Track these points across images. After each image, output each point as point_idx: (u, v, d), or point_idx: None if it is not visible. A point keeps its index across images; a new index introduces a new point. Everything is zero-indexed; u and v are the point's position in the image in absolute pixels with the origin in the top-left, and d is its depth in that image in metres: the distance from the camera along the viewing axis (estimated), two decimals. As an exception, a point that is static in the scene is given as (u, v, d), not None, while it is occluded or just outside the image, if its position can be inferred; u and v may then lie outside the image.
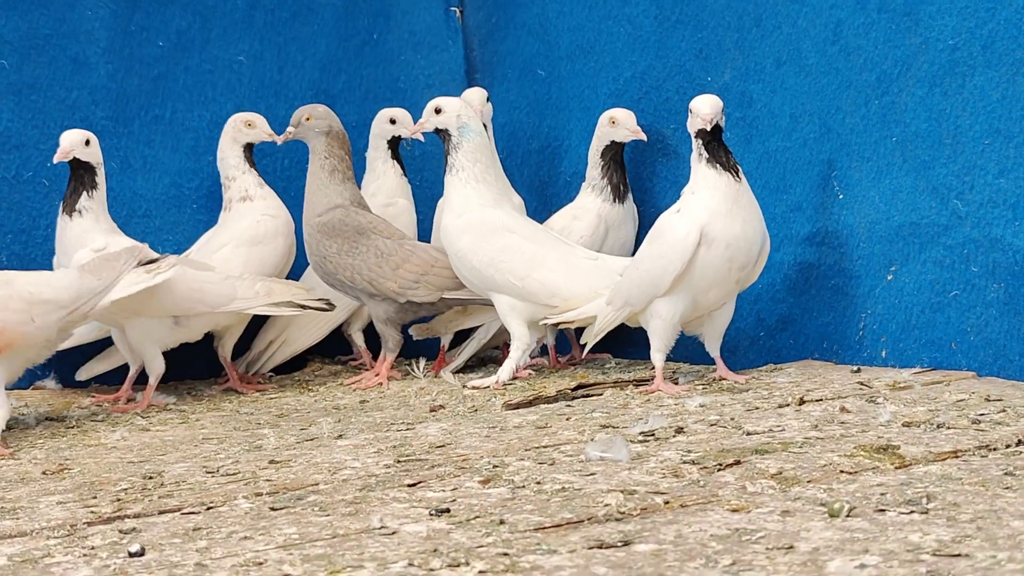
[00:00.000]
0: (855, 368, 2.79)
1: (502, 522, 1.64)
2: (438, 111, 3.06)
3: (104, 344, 3.37)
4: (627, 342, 3.23)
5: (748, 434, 2.15)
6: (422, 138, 3.57)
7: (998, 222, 2.52)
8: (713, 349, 2.83)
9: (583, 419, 2.43)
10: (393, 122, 3.53)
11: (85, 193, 3.05)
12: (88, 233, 3.06)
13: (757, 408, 2.39)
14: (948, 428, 2.07)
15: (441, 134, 3.06)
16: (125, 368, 3.38)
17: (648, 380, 2.83)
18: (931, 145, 2.65)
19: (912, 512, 1.55)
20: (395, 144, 3.55)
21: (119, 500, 2.00)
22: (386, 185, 3.53)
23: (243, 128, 3.38)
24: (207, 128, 3.62)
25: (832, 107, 2.89)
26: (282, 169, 3.69)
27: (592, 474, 1.90)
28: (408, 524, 1.66)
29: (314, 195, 3.35)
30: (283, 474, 2.11)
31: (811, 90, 2.93)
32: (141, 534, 1.74)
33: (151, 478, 2.21)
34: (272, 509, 1.82)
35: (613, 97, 3.42)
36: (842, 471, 1.82)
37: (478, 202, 3.02)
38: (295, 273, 3.55)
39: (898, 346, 2.80)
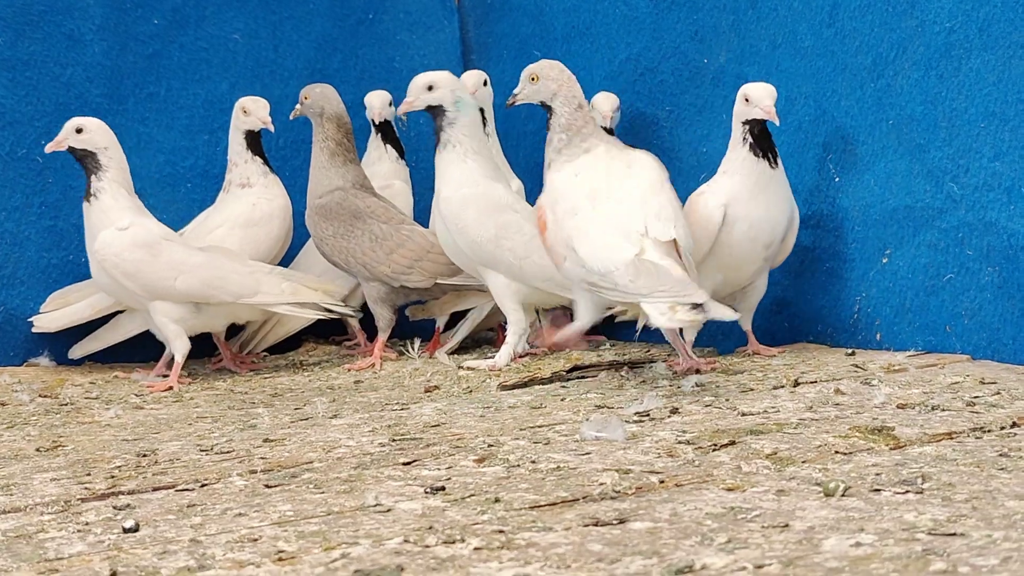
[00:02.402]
0: (850, 351, 2.79)
1: (497, 500, 1.64)
2: (431, 88, 3.02)
3: (98, 323, 3.36)
4: (622, 324, 3.23)
5: (743, 415, 2.15)
6: (404, 119, 3.56)
7: (993, 205, 2.52)
8: (745, 323, 2.89)
9: (578, 400, 2.43)
10: (391, 105, 3.53)
11: (93, 177, 3.05)
12: (110, 213, 3.05)
13: (752, 390, 2.40)
14: (943, 410, 2.08)
15: (434, 111, 3.02)
16: (119, 347, 3.38)
17: (642, 362, 2.83)
18: (926, 128, 2.64)
19: (907, 492, 1.55)
20: (384, 127, 3.54)
21: (113, 477, 2.00)
22: (381, 170, 3.53)
23: (240, 115, 3.37)
24: (201, 107, 3.61)
25: (827, 90, 2.89)
26: (277, 148, 3.68)
27: (587, 454, 1.91)
28: (403, 502, 1.67)
29: (315, 177, 3.36)
30: (277, 452, 2.11)
31: (806, 73, 2.92)
32: (135, 510, 1.74)
33: (145, 455, 2.21)
34: (267, 486, 1.82)
35: (608, 79, 3.41)
36: (837, 451, 1.82)
37: (481, 175, 3.01)
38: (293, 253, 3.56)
39: (892, 329, 2.80)
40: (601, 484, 1.69)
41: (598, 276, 2.51)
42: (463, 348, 3.31)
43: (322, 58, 3.80)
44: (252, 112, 3.37)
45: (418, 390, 2.86)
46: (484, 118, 3.36)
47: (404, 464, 1.92)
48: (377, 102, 3.55)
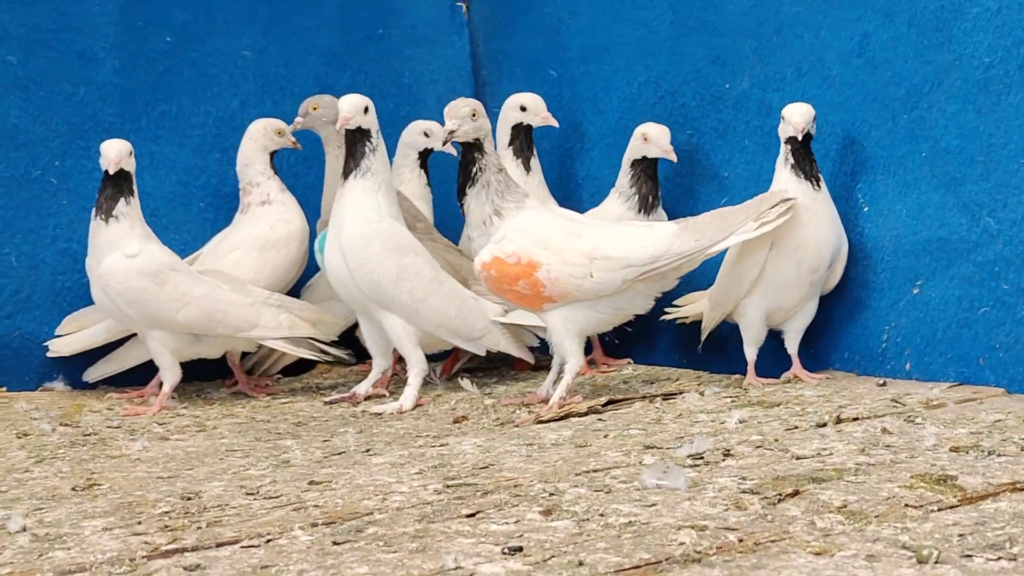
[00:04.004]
0: (881, 381, 2.79)
1: (581, 563, 1.62)
2: (367, 110, 2.99)
3: (112, 346, 3.32)
4: (647, 348, 3.23)
5: (797, 458, 2.14)
6: (455, 152, 3.55)
7: (1032, 241, 2.53)
8: (791, 346, 2.94)
9: (622, 436, 2.42)
10: (427, 135, 3.52)
11: (123, 199, 3.01)
12: (122, 238, 3.01)
13: (796, 427, 2.39)
14: (998, 455, 2.08)
15: (360, 134, 2.97)
16: (133, 370, 3.34)
17: (674, 394, 2.83)
18: (962, 162, 2.65)
19: (1000, 558, 1.55)
20: (426, 156, 3.54)
21: (167, 527, 1.97)
22: (409, 191, 3.51)
23: (274, 136, 3.38)
24: (213, 125, 3.57)
25: (857, 119, 2.89)
26: (288, 167, 3.64)
27: (653, 505, 1.89)
28: (483, 564, 1.64)
29: (331, 188, 3.33)
30: (329, 498, 2.08)
31: (834, 101, 2.92)
32: (206, 571, 1.71)
33: (189, 498, 2.18)
34: (335, 543, 1.79)
35: (627, 101, 3.40)
36: (907, 504, 1.82)
37: (388, 211, 3.00)
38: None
39: (923, 360, 2.81)
40: (680, 544, 1.68)
41: (651, 258, 2.67)
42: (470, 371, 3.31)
43: (331, 74, 3.77)
44: (287, 133, 3.39)
45: (445, 420, 2.85)
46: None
47: (467, 516, 1.90)
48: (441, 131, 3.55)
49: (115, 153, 2.97)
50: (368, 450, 2.56)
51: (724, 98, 3.19)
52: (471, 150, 2.74)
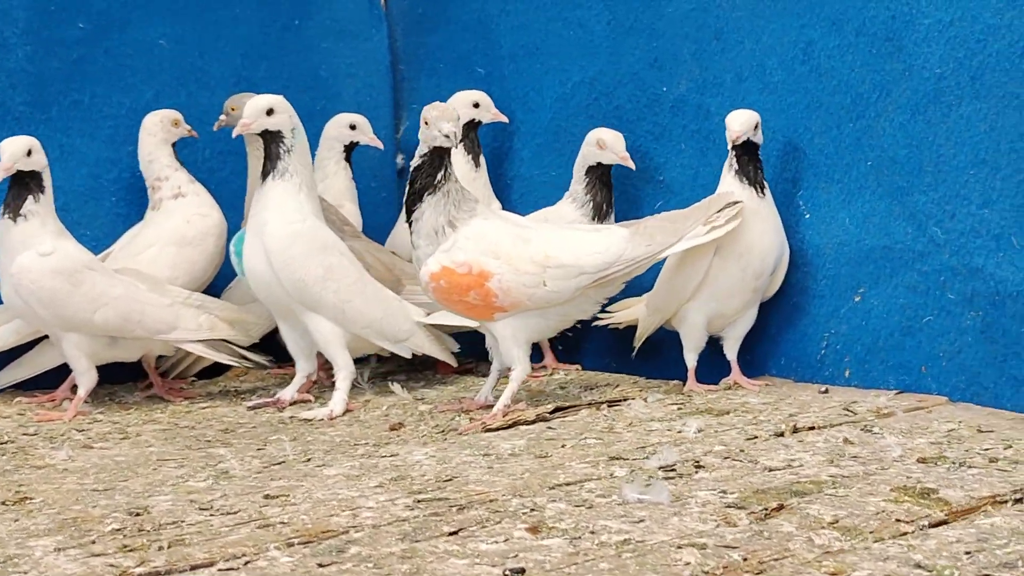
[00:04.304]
0: (823, 389, 2.80)
1: (590, 585, 1.57)
2: (270, 112, 2.88)
3: (23, 349, 3.15)
4: (596, 352, 3.20)
5: (769, 470, 2.12)
6: (381, 145, 3.47)
7: (980, 252, 2.56)
8: (731, 353, 2.93)
9: (580, 447, 2.37)
10: (353, 128, 3.43)
11: (31, 197, 2.84)
12: (33, 237, 2.85)
13: (756, 437, 2.38)
14: (968, 467, 2.09)
15: (270, 136, 2.88)
16: (43, 375, 3.18)
17: (618, 400, 2.80)
18: (910, 172, 2.66)
19: (1017, 578, 1.55)
20: (351, 149, 3.44)
21: (126, 547, 1.85)
22: (335, 186, 3.42)
23: (172, 128, 3.25)
24: (126, 116, 3.42)
25: (799, 127, 2.89)
26: (203, 160, 3.51)
27: (641, 521, 1.85)
28: (487, 586, 1.58)
29: (255, 186, 3.21)
30: (292, 514, 1.99)
31: (776, 108, 2.91)
32: (188, 598, 1.61)
33: (138, 514, 2.06)
34: (320, 566, 1.70)
35: (560, 101, 3.35)
36: (898, 520, 1.81)
37: (311, 211, 2.92)
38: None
39: (863, 367, 2.82)
40: (686, 564, 1.64)
41: (604, 265, 2.64)
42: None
43: (248, 66, 3.65)
44: (182, 122, 3.25)
45: (380, 426, 2.77)
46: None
47: (451, 534, 1.83)
48: (368, 125, 3.48)
49: (7, 157, 2.79)
50: (309, 459, 2.47)
51: (661, 101, 3.17)
52: (442, 155, 2.62)
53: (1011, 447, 2.21)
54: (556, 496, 2.01)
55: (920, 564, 1.60)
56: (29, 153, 2.81)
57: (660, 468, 2.15)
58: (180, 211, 3.23)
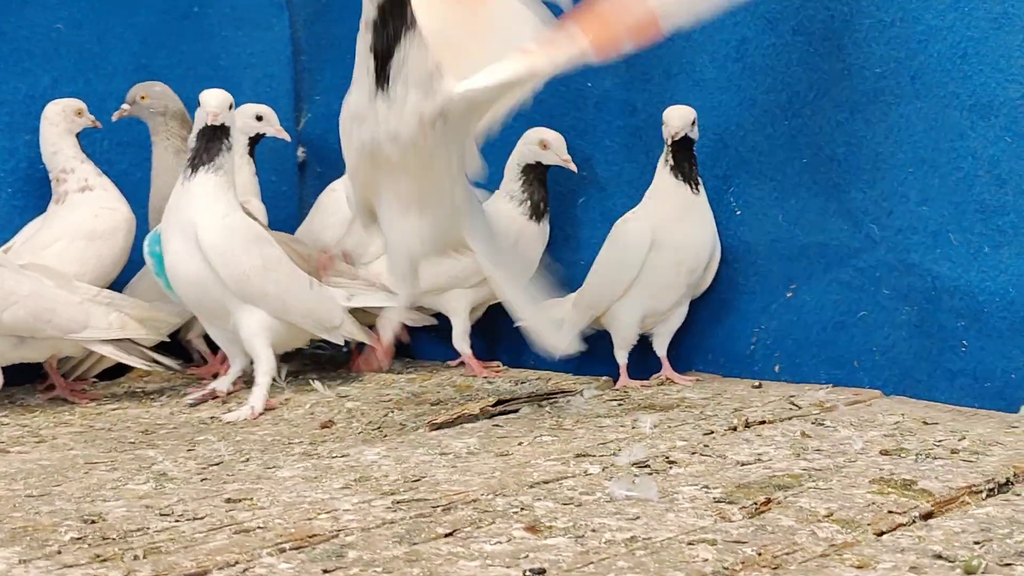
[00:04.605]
0: (756, 384, 2.82)
1: (618, 585, 1.54)
2: (231, 107, 2.86)
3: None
4: (517, 350, 3.16)
5: (741, 464, 2.13)
6: (288, 137, 3.37)
7: (917, 248, 2.61)
8: (660, 348, 2.93)
9: (537, 444, 2.34)
10: (260, 119, 3.32)
11: None
12: None
13: (712, 432, 2.38)
14: (932, 458, 2.13)
15: (222, 130, 2.81)
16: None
17: (554, 394, 2.77)
18: (847, 169, 2.71)
19: (1036, 566, 1.57)
20: (256, 142, 3.34)
21: (99, 557, 1.74)
22: (239, 180, 3.29)
23: (75, 117, 3.09)
24: (23, 103, 3.25)
25: (731, 123, 2.91)
26: (102, 152, 3.35)
27: (637, 518, 1.83)
28: (511, 588, 1.53)
29: (160, 179, 3.14)
30: (264, 518, 1.90)
31: (706, 105, 2.92)
32: (191, 609, 1.52)
33: (93, 521, 1.95)
34: (325, 571, 1.63)
35: (480, 95, 3.30)
36: (890, 511, 1.83)
37: (236, 205, 2.88)
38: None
39: (794, 362, 2.86)
40: (705, 560, 1.62)
41: None
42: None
43: (147, 53, 3.50)
44: (85, 112, 3.10)
45: (308, 425, 2.69)
46: None
47: (447, 536, 1.77)
48: (274, 116, 3.37)
49: None
50: (247, 460, 2.38)
51: (585, 97, 3.15)
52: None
53: (964, 438, 2.26)
54: (539, 495, 1.97)
55: (940, 555, 1.61)
56: None
57: (633, 464, 2.13)
58: (87, 205, 3.08)
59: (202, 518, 1.93)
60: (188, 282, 2.81)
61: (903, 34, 2.58)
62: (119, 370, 3.27)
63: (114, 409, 2.94)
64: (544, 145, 3.00)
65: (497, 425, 2.54)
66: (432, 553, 1.69)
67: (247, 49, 3.72)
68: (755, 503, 1.88)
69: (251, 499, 2.04)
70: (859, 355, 2.74)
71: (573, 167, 2.99)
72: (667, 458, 2.17)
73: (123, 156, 3.39)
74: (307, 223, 3.40)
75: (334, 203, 3.23)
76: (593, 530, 1.76)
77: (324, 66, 3.71)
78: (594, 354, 3.11)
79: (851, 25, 2.65)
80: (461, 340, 3.06)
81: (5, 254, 3.00)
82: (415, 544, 1.73)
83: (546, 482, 2.05)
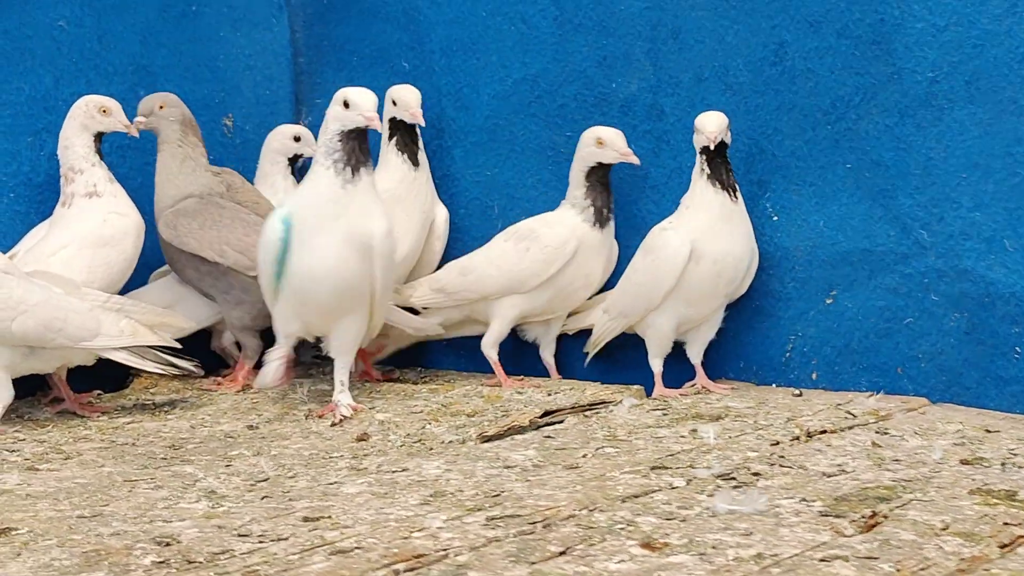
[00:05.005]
0: (797, 392, 2.78)
1: (773, 604, 1.48)
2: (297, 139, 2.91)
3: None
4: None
5: (827, 476, 2.08)
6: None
7: (969, 254, 2.59)
8: (695, 356, 2.88)
9: (601, 456, 2.27)
10: (298, 139, 3.25)
11: None
12: None
13: (778, 442, 2.33)
14: (1016, 467, 2.10)
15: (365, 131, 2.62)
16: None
17: (595, 405, 2.71)
18: (895, 174, 2.68)
19: None
20: (294, 162, 3.26)
21: (195, 583, 1.65)
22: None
23: (96, 115, 2.93)
24: (25, 103, 3.12)
25: (768, 128, 2.87)
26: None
27: (749, 533, 1.77)
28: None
29: (164, 186, 3.06)
30: (356, 538, 1.81)
31: (740, 109, 2.88)
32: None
33: (167, 544, 1.84)
34: (459, 594, 1.55)
35: (498, 99, 3.24)
36: (1006, 523, 1.79)
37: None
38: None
39: (832, 370, 2.82)
40: (847, 577, 1.56)
41: None
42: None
43: (147, 53, 3.38)
44: (113, 113, 2.95)
45: (342, 439, 2.59)
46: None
47: (560, 554, 1.70)
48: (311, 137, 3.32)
49: None
50: (294, 475, 2.29)
51: (609, 100, 3.10)
52: None
53: (1034, 446, 2.24)
54: (636, 510, 1.90)
55: (1092, 568, 1.57)
56: None
57: (718, 477, 2.07)
58: (95, 210, 2.95)
59: (287, 538, 1.84)
60: (344, 286, 2.63)
61: (957, 38, 2.55)
62: (120, 381, 3.16)
63: (130, 423, 2.82)
64: (600, 142, 2.89)
65: (548, 437, 2.47)
66: (557, 573, 1.61)
67: (246, 50, 3.61)
68: (862, 516, 1.83)
69: (329, 517, 1.94)
70: (903, 362, 2.71)
71: (635, 160, 2.87)
72: (749, 470, 2.11)
73: (123, 161, 3.27)
74: None
75: None
76: (713, 547, 1.70)
77: (324, 68, 3.62)
78: (619, 361, 3.07)
79: (902, 28, 2.62)
80: (491, 347, 2.98)
81: (10, 260, 2.87)
82: (533, 563, 1.65)
83: (635, 496, 1.98)
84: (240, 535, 1.87)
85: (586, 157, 2.90)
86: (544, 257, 2.87)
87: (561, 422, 2.59)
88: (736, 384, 2.92)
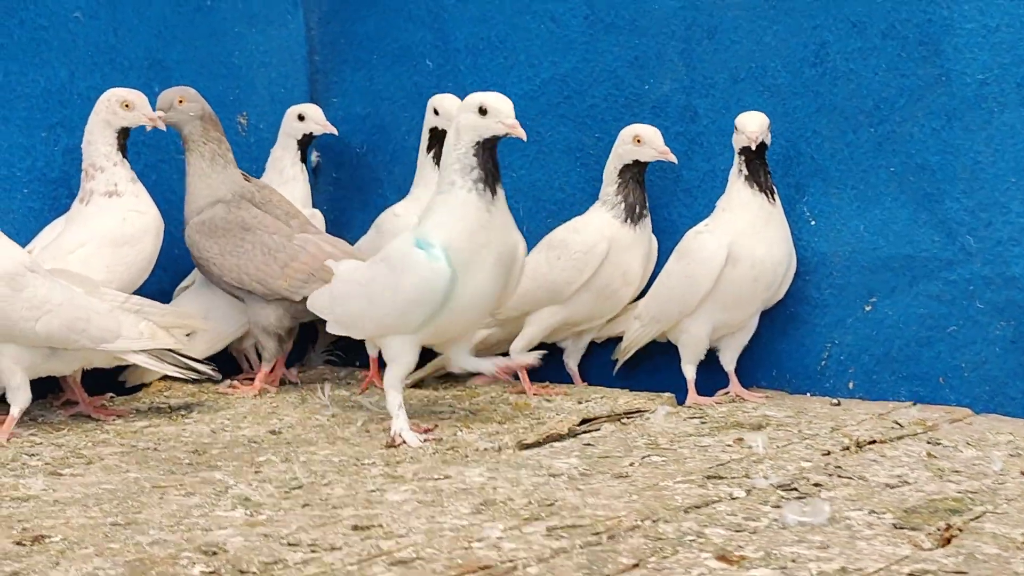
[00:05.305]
0: (835, 401, 2.72)
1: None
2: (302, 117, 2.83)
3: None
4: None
5: (889, 487, 2.02)
6: (335, 131, 3.21)
7: (1018, 260, 2.54)
8: (729, 363, 2.82)
9: (648, 465, 2.20)
10: (302, 118, 3.16)
11: None
12: None
13: (829, 452, 2.26)
14: (1083, 479, 2.05)
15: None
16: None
17: (631, 413, 2.64)
18: (941, 178, 2.62)
19: None
20: (305, 144, 3.16)
21: (250, 594, 1.57)
22: (298, 192, 3.13)
23: (119, 110, 2.84)
24: (40, 97, 3.03)
25: (806, 130, 2.81)
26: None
27: (825, 546, 1.70)
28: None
29: (195, 187, 2.98)
30: (413, 548, 1.74)
31: (777, 111, 2.82)
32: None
33: (214, 552, 1.77)
34: (532, 609, 1.47)
35: (526, 99, 3.16)
36: (1093, 537, 1.73)
37: None
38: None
39: (870, 379, 2.76)
40: (940, 592, 1.50)
41: None
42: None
43: (161, 47, 3.30)
44: (137, 107, 2.86)
45: (369, 444, 2.51)
46: None
47: (633, 566, 1.63)
48: (319, 113, 3.25)
49: None
50: (328, 482, 2.21)
51: (641, 100, 3.03)
52: None
53: (1094, 457, 2.19)
54: (701, 521, 1.83)
55: None
56: None
57: (778, 487, 2.00)
58: (115, 209, 2.86)
59: (340, 548, 1.76)
60: (492, 305, 2.50)
61: (1009, 40, 2.50)
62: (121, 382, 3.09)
63: (147, 426, 2.73)
64: (638, 140, 2.81)
65: (588, 444, 2.40)
66: (637, 587, 1.54)
67: (261, 47, 3.53)
68: (937, 529, 1.77)
69: (380, 526, 1.87)
70: (945, 371, 2.65)
71: (672, 158, 2.78)
72: (808, 480, 2.04)
73: (138, 158, 3.17)
74: (365, 245, 3.20)
75: (397, 229, 3.03)
76: (792, 560, 1.64)
77: (341, 67, 3.54)
78: (642, 368, 3.00)
79: (951, 30, 2.56)
80: (521, 352, 2.89)
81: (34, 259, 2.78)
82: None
83: (697, 507, 1.91)
84: (289, 544, 1.80)
85: (622, 154, 2.82)
86: (575, 264, 2.79)
87: (598, 430, 2.52)
88: (769, 393, 2.85)
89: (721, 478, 2.08)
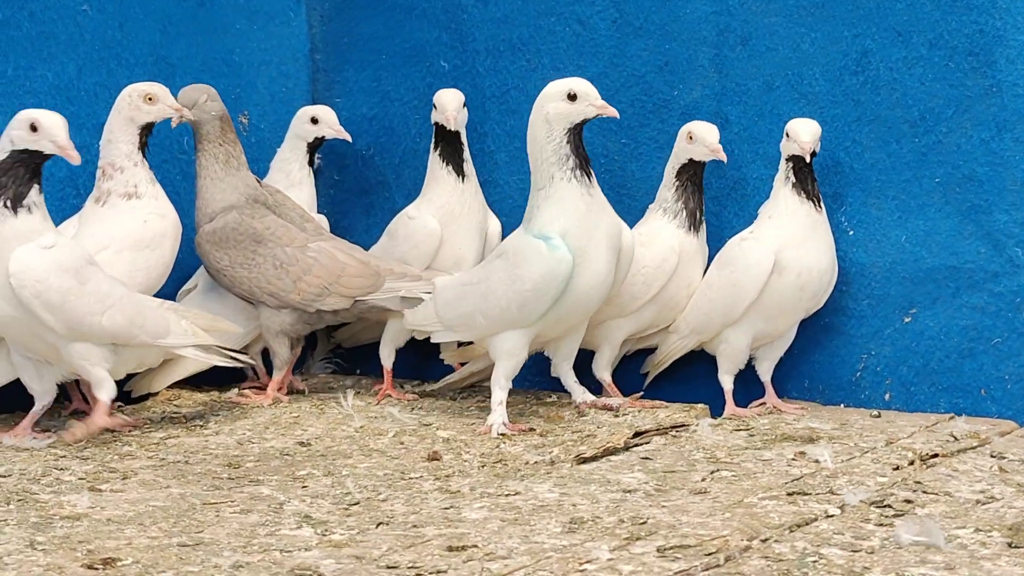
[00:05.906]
0: (875, 413, 2.69)
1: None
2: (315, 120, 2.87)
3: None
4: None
5: (979, 503, 1.99)
6: (348, 137, 3.11)
7: (1068, 274, 2.53)
8: (765, 374, 2.76)
9: (719, 480, 2.15)
10: (315, 121, 3.07)
11: (36, 186, 2.36)
12: (33, 231, 2.35)
13: (898, 467, 2.23)
14: None
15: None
16: None
17: (678, 426, 2.58)
18: (989, 190, 2.60)
19: None
20: (315, 148, 3.07)
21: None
22: (304, 195, 3.03)
23: (142, 104, 2.71)
24: (48, 92, 2.91)
25: (845, 139, 2.78)
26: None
27: (952, 567, 1.66)
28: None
29: (207, 191, 2.88)
30: (524, 570, 1.67)
31: (815, 120, 2.76)
32: None
33: (308, 573, 1.68)
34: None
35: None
36: None
37: None
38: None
39: (908, 390, 2.74)
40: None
41: None
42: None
43: (166, 43, 3.19)
44: (160, 99, 2.74)
45: (411, 456, 2.44)
46: None
47: (758, 587, 1.57)
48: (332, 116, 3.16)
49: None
50: (385, 498, 2.14)
51: (670, 106, 2.98)
52: None
53: None
54: (811, 540, 1.78)
55: None
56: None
57: (871, 504, 1.96)
58: (133, 211, 2.73)
59: (445, 571, 1.68)
60: (607, 291, 2.53)
61: (1066, 50, 2.49)
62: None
63: (167, 438, 2.62)
64: (690, 137, 2.72)
65: (646, 458, 2.34)
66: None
67: (262, 44, 3.42)
68: (1055, 547, 1.74)
69: (475, 546, 1.79)
70: (988, 384, 2.64)
71: (723, 156, 2.69)
72: (896, 496, 2.01)
73: (149, 156, 3.06)
74: (378, 252, 3.10)
75: (412, 232, 2.95)
76: (917, 584, 1.59)
77: (344, 66, 3.44)
78: (667, 378, 2.95)
79: (1003, 41, 2.54)
80: (604, 369, 2.80)
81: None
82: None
83: (799, 526, 1.86)
84: (388, 567, 1.72)
85: (678, 153, 2.74)
86: (644, 279, 2.71)
87: (648, 443, 2.47)
88: (803, 404, 2.81)
89: (806, 494, 2.03)
